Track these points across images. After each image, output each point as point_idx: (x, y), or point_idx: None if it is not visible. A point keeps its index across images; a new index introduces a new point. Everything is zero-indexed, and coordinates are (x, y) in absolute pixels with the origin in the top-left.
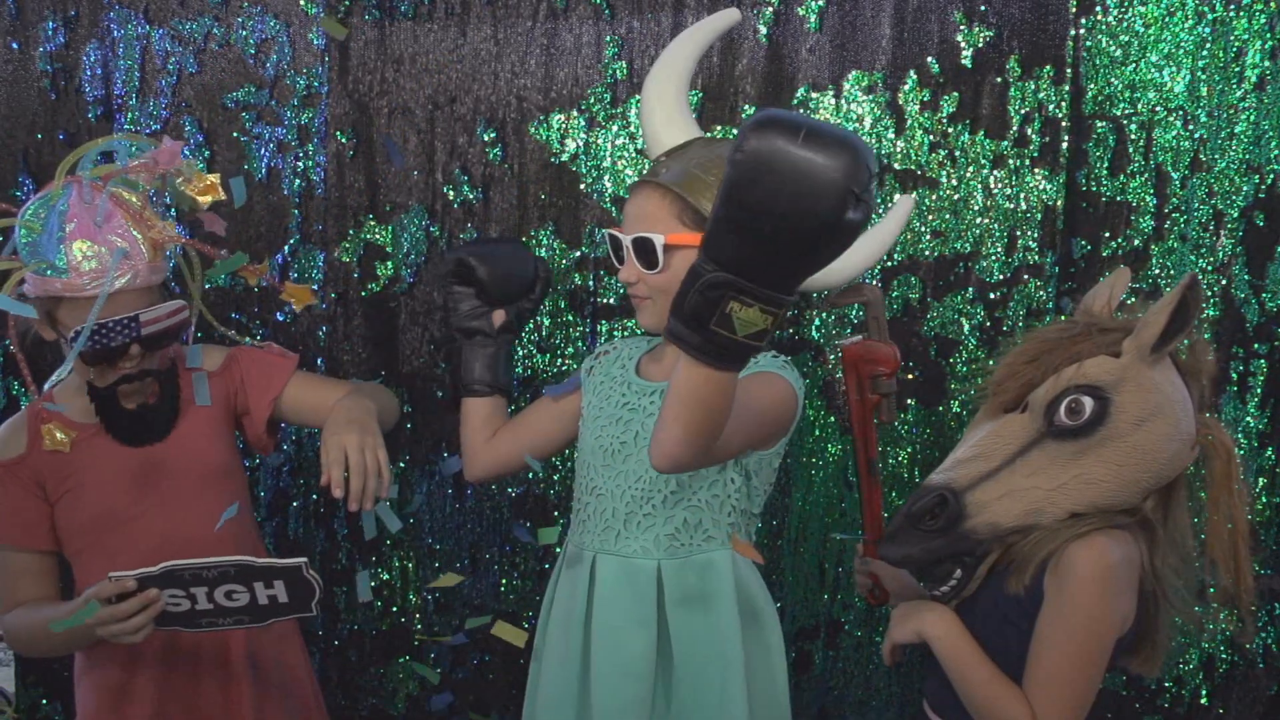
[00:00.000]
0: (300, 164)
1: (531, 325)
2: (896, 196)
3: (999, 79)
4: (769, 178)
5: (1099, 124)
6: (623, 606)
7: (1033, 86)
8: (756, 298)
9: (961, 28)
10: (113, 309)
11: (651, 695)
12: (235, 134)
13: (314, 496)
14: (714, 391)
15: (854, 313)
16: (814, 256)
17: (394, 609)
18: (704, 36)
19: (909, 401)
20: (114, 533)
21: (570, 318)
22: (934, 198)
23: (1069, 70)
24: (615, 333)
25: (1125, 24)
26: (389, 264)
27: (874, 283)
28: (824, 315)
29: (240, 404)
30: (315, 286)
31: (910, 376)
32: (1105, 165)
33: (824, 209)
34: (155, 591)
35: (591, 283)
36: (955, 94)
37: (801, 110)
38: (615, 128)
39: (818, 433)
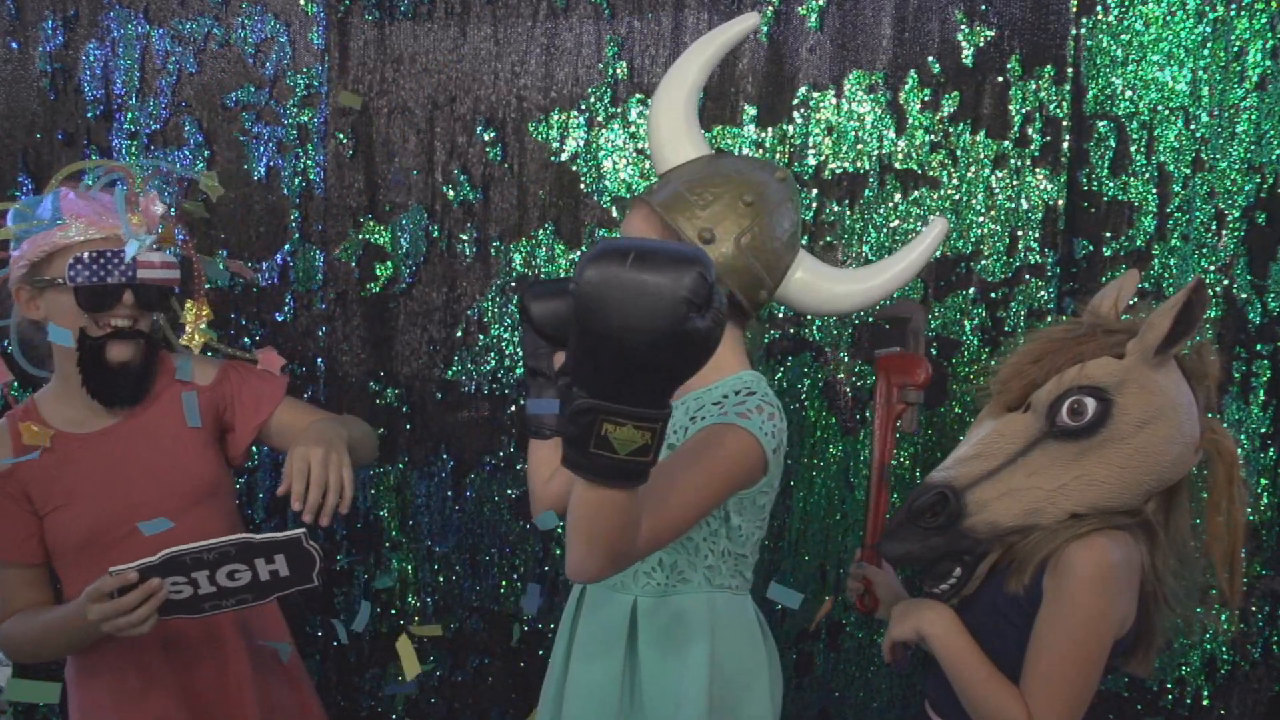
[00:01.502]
0: (300, 164)
1: None
2: (932, 218)
3: (1000, 79)
4: (606, 304)
5: (1100, 124)
6: (597, 631)
7: (1034, 86)
8: (627, 417)
9: (962, 27)
10: (109, 247)
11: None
12: (235, 134)
13: None
14: (613, 510)
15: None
16: (670, 370)
17: (393, 611)
18: (718, 47)
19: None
20: (104, 550)
21: None
22: (935, 198)
23: (1070, 70)
24: None
25: (1126, 23)
26: (388, 264)
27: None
28: (825, 319)
29: (227, 421)
30: (316, 287)
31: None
32: (1106, 165)
33: (662, 324)
34: (158, 581)
35: None
36: (956, 94)
37: (802, 110)
38: (615, 127)
39: (819, 434)
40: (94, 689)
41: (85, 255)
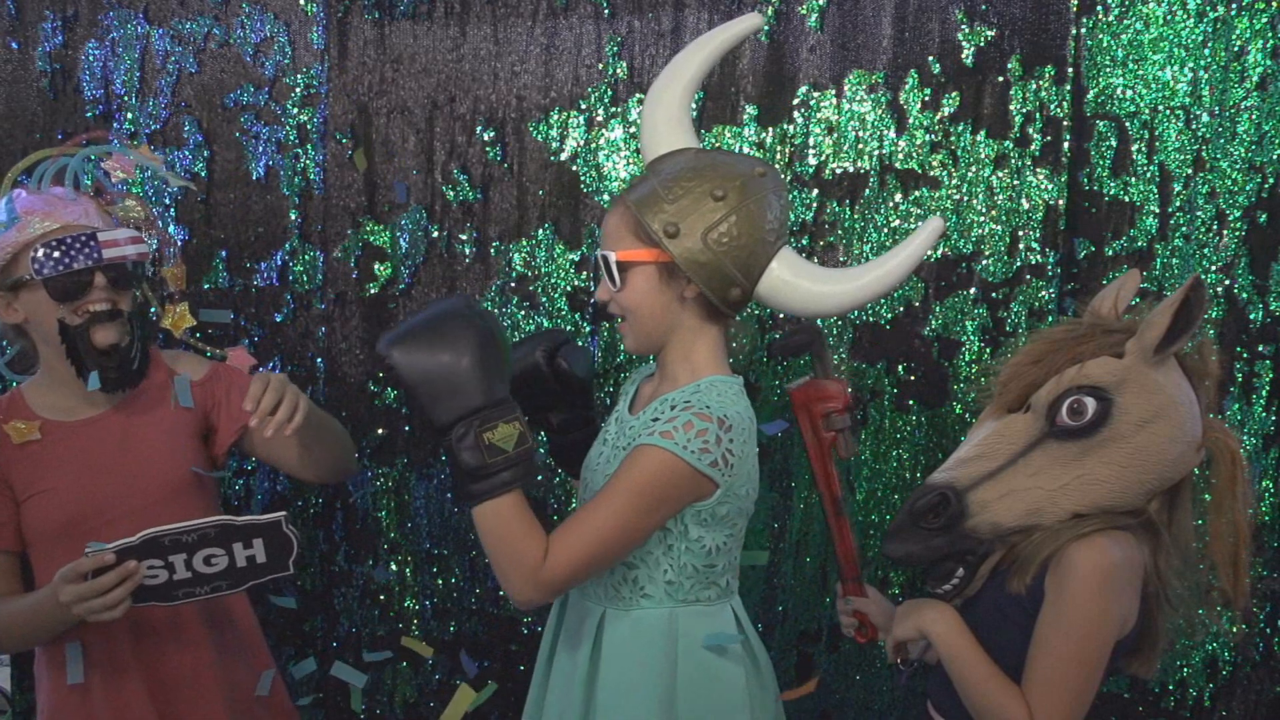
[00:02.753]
0: (299, 164)
1: (532, 327)
2: (930, 218)
3: (1000, 78)
4: (416, 384)
5: (1101, 124)
6: (569, 639)
7: (1034, 86)
8: (493, 418)
9: (963, 27)
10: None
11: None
12: (235, 134)
13: (313, 499)
14: (512, 517)
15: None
16: (486, 367)
17: (391, 613)
18: (719, 44)
19: (909, 402)
20: (82, 539)
21: (571, 318)
22: (935, 198)
23: (1070, 70)
24: (616, 335)
25: (1126, 23)
26: (388, 264)
27: (885, 316)
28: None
29: (212, 420)
30: (316, 287)
31: (912, 378)
32: (1107, 165)
33: (460, 344)
34: (135, 563)
35: (592, 283)
36: (956, 94)
37: (802, 109)
38: (615, 127)
39: None
40: (62, 681)
41: (44, 247)
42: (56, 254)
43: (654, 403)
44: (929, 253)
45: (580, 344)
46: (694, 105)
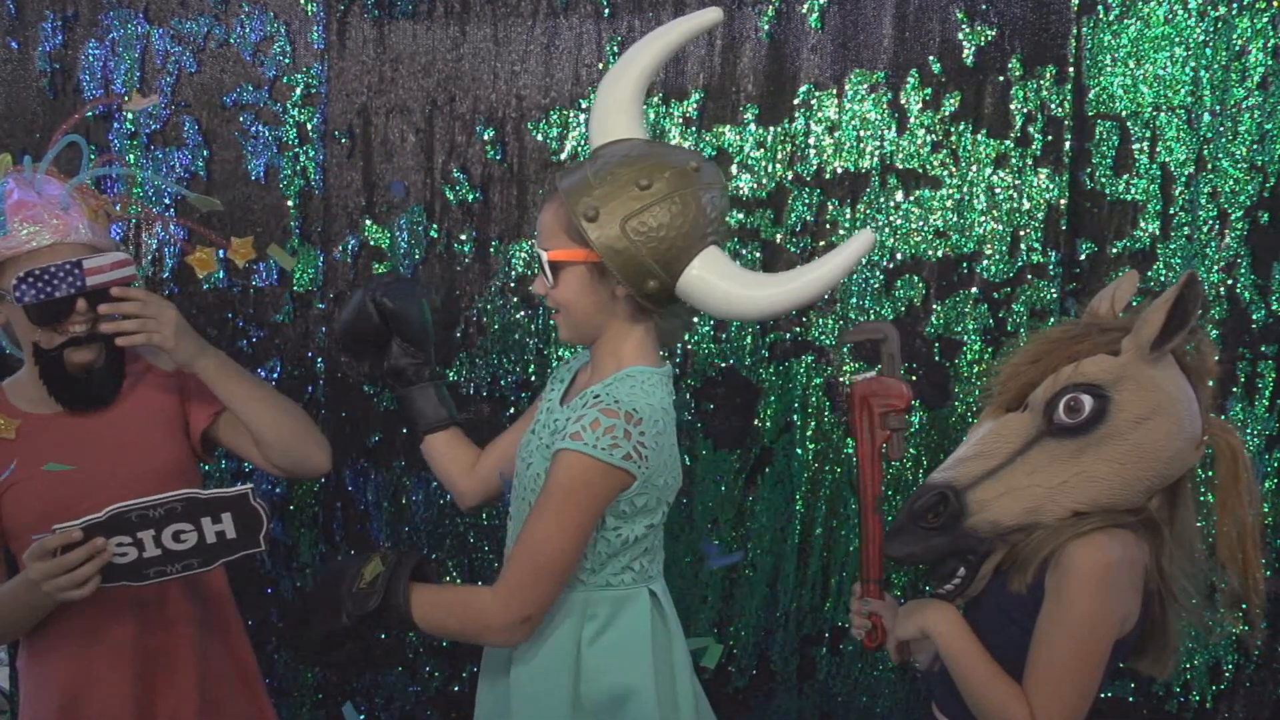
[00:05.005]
0: (299, 164)
1: (532, 328)
2: (863, 231)
3: (1001, 78)
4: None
5: (1101, 123)
6: None
7: (1035, 86)
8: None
9: (963, 27)
10: (54, 259)
11: (505, 705)
12: (234, 134)
13: (311, 501)
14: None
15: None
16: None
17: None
18: (677, 35)
19: (912, 403)
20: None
21: None
22: (937, 197)
23: (1071, 69)
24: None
25: (1127, 23)
26: (387, 264)
27: (886, 316)
28: (827, 320)
29: (186, 408)
30: (316, 287)
31: (914, 378)
32: (1108, 165)
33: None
34: (102, 541)
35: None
36: (957, 93)
37: (803, 109)
38: None
39: (821, 436)
40: (45, 661)
41: (27, 276)
42: (39, 282)
43: (578, 396)
44: (930, 254)
45: (409, 279)
46: (694, 104)
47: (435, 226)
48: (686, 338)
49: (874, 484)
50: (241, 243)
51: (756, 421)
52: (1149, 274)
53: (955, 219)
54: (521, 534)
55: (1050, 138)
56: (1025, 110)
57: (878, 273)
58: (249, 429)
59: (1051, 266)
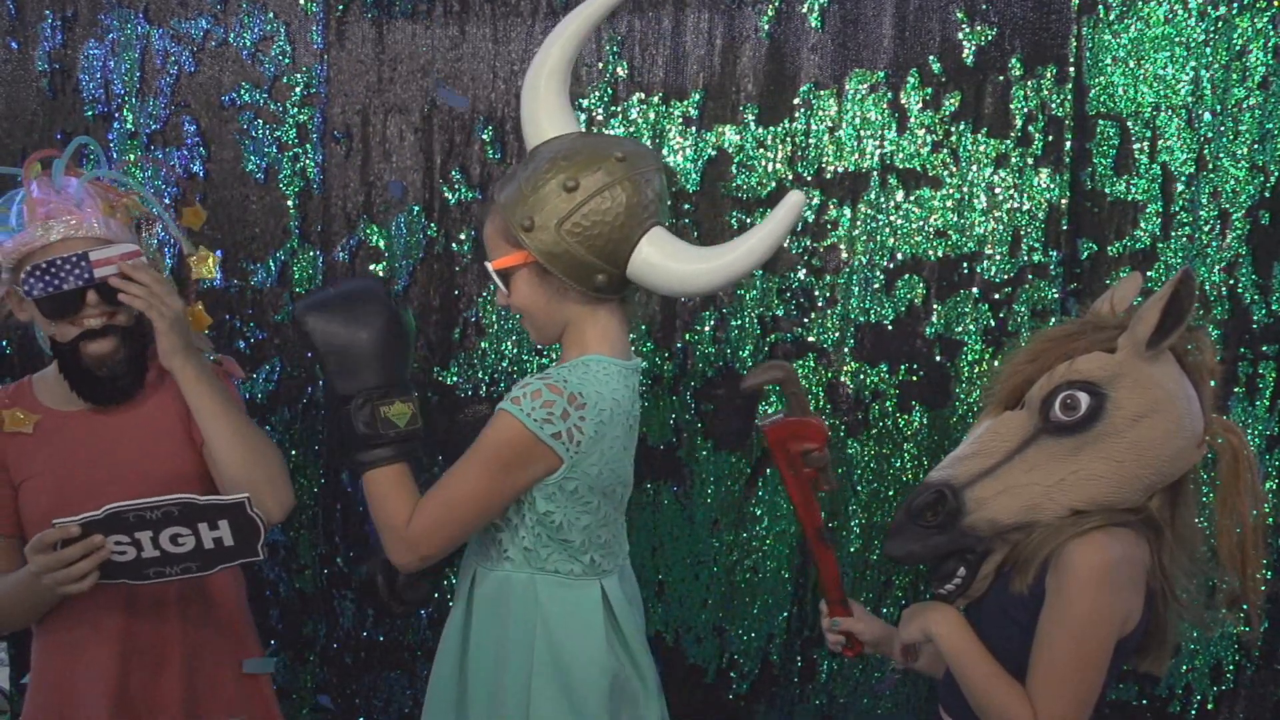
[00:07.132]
0: (299, 164)
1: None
2: (791, 194)
3: (1001, 78)
4: (331, 340)
5: (1102, 123)
6: (457, 588)
7: (1035, 85)
8: (391, 396)
9: (963, 26)
10: (64, 253)
11: (457, 674)
12: (233, 134)
13: (311, 502)
14: (390, 487)
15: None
16: (393, 349)
17: (388, 616)
18: (581, 21)
19: (911, 403)
20: None
21: None
22: (937, 197)
23: (1072, 69)
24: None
25: (1128, 22)
26: (386, 264)
27: (887, 316)
28: (827, 320)
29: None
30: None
31: (914, 379)
32: (1109, 165)
33: (372, 324)
34: (99, 538)
35: None
36: (957, 93)
37: (803, 109)
38: (615, 127)
39: None
40: (45, 642)
41: (34, 269)
42: (47, 275)
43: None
44: (930, 254)
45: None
46: (693, 103)
47: (434, 226)
48: (687, 338)
49: (812, 518)
50: (202, 256)
51: (757, 422)
52: (1150, 274)
53: (955, 219)
54: (442, 478)
55: (1051, 137)
56: (1025, 110)
57: (878, 273)
58: (208, 447)
59: (1052, 266)
